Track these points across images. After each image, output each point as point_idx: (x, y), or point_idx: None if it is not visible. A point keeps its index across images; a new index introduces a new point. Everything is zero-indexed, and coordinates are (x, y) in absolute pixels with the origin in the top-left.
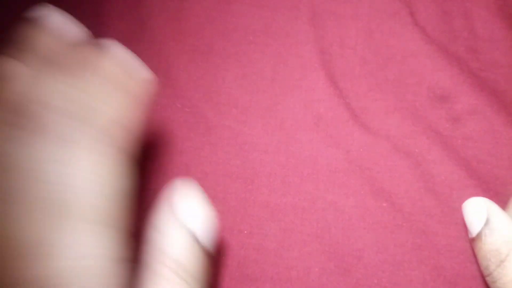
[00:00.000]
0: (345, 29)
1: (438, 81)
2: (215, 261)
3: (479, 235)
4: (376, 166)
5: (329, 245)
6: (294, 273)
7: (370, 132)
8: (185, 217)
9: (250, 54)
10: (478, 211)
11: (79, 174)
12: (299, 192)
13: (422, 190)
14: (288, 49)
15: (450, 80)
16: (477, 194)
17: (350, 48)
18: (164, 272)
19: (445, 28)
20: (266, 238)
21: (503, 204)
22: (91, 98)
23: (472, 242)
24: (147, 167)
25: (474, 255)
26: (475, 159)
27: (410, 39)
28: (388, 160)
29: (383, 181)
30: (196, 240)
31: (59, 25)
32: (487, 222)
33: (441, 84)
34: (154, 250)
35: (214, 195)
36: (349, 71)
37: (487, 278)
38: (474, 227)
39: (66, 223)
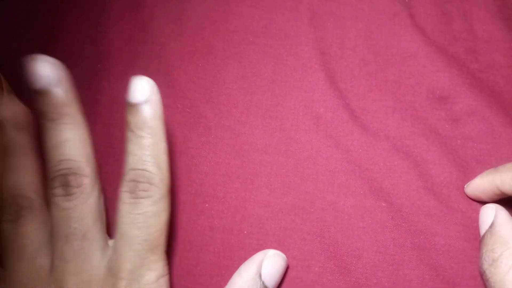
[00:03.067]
0: (345, 30)
1: (438, 82)
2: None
3: (483, 236)
4: (376, 166)
5: (329, 244)
6: (294, 273)
7: (370, 132)
8: (257, 262)
9: (250, 55)
10: (486, 215)
11: None
12: (299, 192)
13: (421, 190)
14: (288, 50)
15: (449, 81)
16: None
17: (350, 49)
18: None
19: (445, 29)
20: (266, 238)
21: (502, 204)
22: None
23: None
24: None
25: (473, 255)
26: (475, 160)
27: (409, 40)
28: (387, 160)
29: (382, 181)
30: (259, 279)
31: None
32: (491, 225)
33: (440, 85)
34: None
35: (214, 195)
36: (349, 72)
37: (483, 276)
38: (481, 230)
39: None
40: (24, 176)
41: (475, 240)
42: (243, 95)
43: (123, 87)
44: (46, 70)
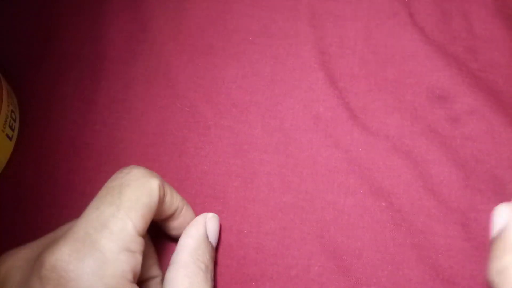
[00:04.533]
0: (344, 29)
1: (437, 81)
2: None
3: (492, 241)
4: (375, 166)
5: (329, 244)
6: (294, 272)
7: (369, 132)
8: (203, 223)
9: (249, 55)
10: (499, 216)
11: None
12: (298, 192)
13: (421, 190)
14: (287, 49)
15: (449, 81)
16: (475, 194)
17: (349, 48)
18: (185, 260)
19: (444, 29)
20: (265, 237)
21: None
22: None
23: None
24: (147, 167)
25: (473, 255)
26: (474, 159)
27: (409, 40)
28: (387, 160)
29: (382, 181)
30: (208, 238)
31: None
32: (503, 229)
33: (440, 84)
34: (179, 246)
35: (214, 194)
36: (349, 72)
37: (491, 285)
38: (492, 232)
39: None
40: None
41: (475, 240)
42: (243, 95)
43: (123, 87)
44: None
